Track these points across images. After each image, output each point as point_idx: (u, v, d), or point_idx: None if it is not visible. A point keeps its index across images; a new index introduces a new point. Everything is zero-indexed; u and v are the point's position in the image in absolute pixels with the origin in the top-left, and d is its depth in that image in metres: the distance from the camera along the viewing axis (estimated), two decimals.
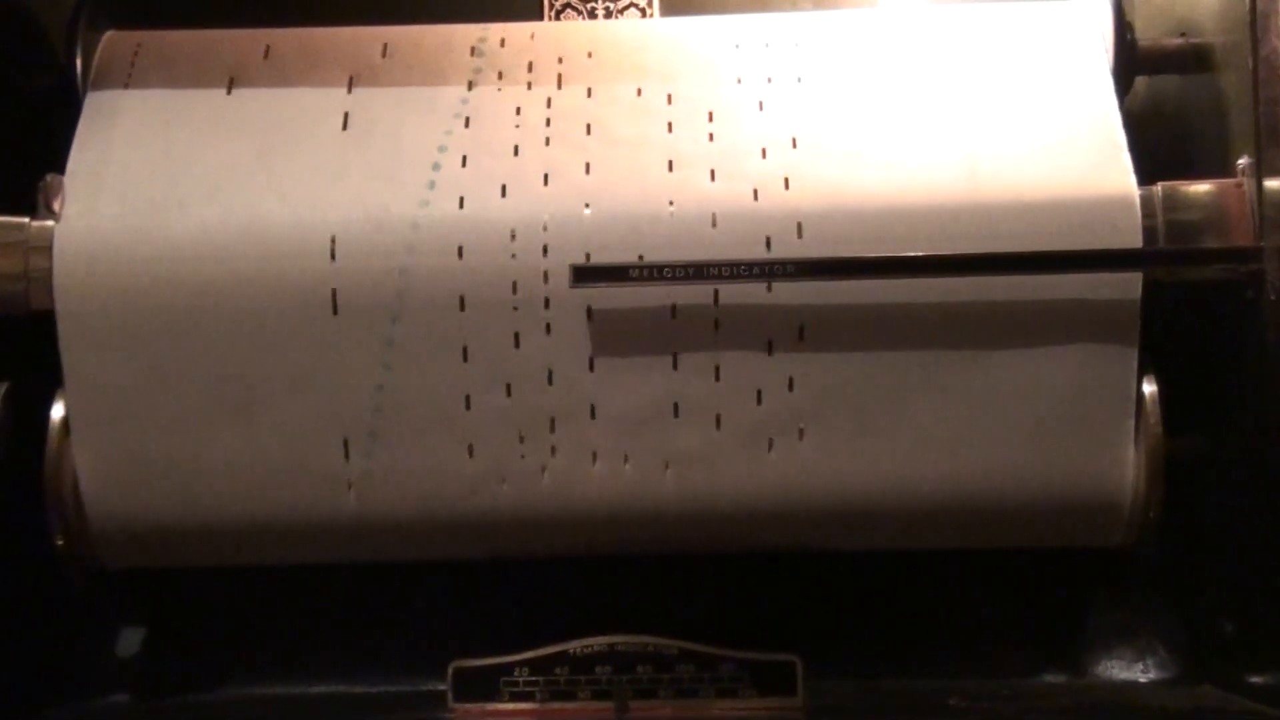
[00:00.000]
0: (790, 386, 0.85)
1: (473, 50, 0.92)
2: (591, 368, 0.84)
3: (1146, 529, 0.86)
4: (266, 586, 0.92)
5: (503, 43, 0.92)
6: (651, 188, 0.86)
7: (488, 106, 0.89)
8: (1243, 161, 0.84)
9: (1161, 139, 0.91)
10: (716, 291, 0.84)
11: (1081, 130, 0.87)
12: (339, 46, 0.92)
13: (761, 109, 0.89)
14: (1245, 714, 0.83)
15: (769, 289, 0.84)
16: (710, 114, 0.89)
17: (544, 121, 0.88)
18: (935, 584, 0.93)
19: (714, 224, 0.85)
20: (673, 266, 0.82)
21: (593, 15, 0.97)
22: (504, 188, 0.86)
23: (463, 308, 0.84)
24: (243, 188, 0.86)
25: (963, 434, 0.85)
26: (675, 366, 0.85)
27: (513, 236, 0.84)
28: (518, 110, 0.89)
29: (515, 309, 0.84)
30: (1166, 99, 0.93)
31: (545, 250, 0.84)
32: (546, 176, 0.86)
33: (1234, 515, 0.86)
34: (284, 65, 0.91)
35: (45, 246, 0.85)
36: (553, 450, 0.85)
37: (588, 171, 0.86)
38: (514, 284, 0.84)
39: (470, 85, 0.90)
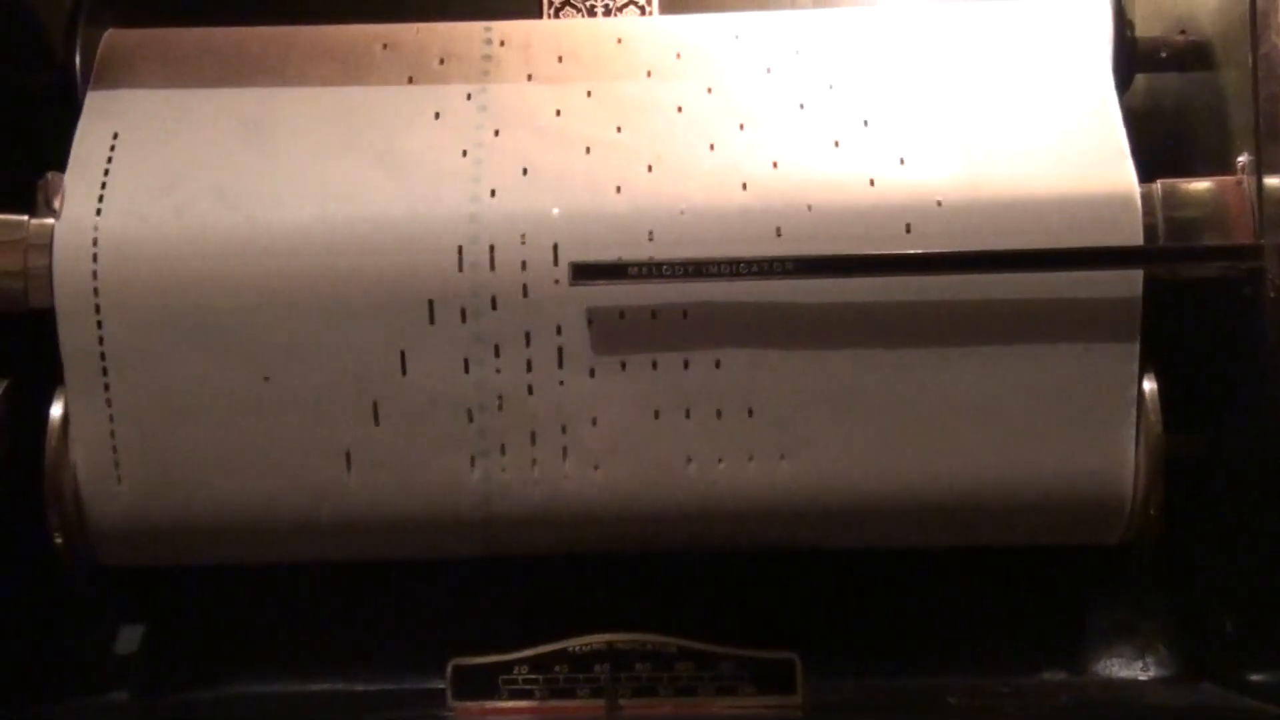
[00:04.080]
0: (791, 385, 0.85)
1: (474, 49, 0.91)
2: (591, 371, 0.84)
3: (1146, 527, 0.86)
4: (266, 584, 0.92)
5: (503, 42, 0.92)
6: (649, 187, 0.86)
7: (490, 106, 0.89)
8: (1242, 159, 0.84)
9: (1161, 136, 0.91)
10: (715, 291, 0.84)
11: (1082, 128, 0.87)
12: (340, 44, 0.92)
13: (761, 107, 0.89)
14: (1245, 712, 0.83)
15: (768, 287, 0.84)
16: (709, 112, 0.89)
17: (546, 121, 0.88)
18: (934, 582, 0.93)
19: (714, 222, 0.85)
20: (671, 264, 0.82)
21: (592, 13, 0.97)
22: (509, 188, 0.86)
23: (467, 310, 0.84)
24: (243, 187, 0.86)
25: (963, 432, 0.85)
26: (677, 366, 0.85)
27: (522, 239, 0.84)
28: (521, 109, 0.89)
29: (520, 310, 0.84)
30: (1166, 96, 0.93)
31: (550, 250, 0.84)
32: (548, 175, 0.86)
33: (1234, 513, 0.86)
34: (285, 63, 0.91)
35: (45, 244, 0.85)
36: (560, 451, 0.85)
37: (584, 171, 0.86)
38: (522, 285, 0.84)
39: (471, 84, 0.90)
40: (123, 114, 0.89)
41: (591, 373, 0.85)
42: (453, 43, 0.92)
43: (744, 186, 0.86)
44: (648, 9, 0.97)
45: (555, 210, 0.85)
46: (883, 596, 0.93)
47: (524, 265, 0.84)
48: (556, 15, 0.97)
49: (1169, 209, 0.85)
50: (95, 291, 0.84)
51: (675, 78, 0.90)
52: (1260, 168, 0.82)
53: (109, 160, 0.87)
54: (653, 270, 0.82)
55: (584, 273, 0.83)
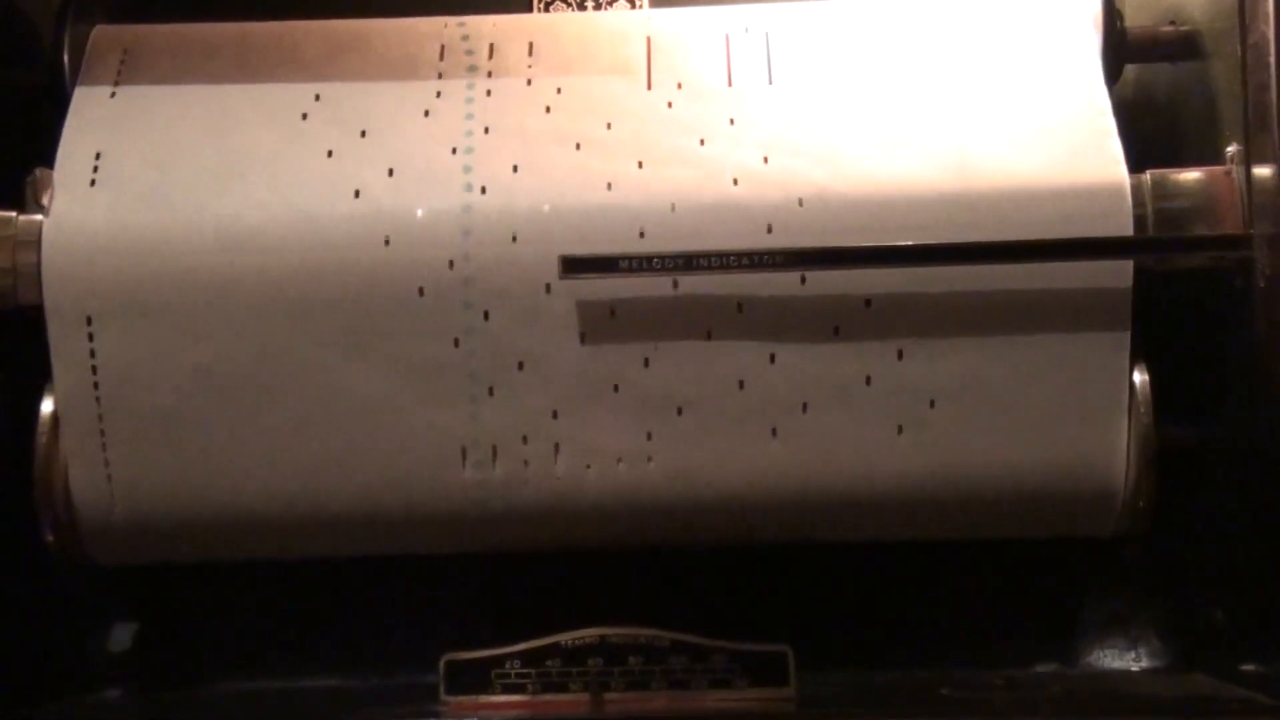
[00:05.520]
0: (779, 378, 0.85)
1: (464, 44, 0.91)
2: (584, 360, 0.84)
3: (1138, 518, 0.86)
4: (258, 581, 0.92)
5: (493, 35, 0.92)
6: (640, 180, 0.86)
7: (480, 101, 0.89)
8: (1231, 149, 0.84)
9: (1151, 127, 0.91)
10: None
11: (1071, 119, 0.87)
12: (329, 40, 0.92)
13: (752, 99, 0.89)
14: (1236, 701, 0.83)
15: (760, 280, 0.83)
16: (700, 105, 0.89)
17: (537, 115, 0.88)
18: (926, 574, 0.93)
19: (705, 215, 0.85)
20: (661, 257, 0.82)
21: (582, 7, 0.97)
22: (504, 180, 0.86)
23: (461, 302, 0.84)
24: (231, 183, 0.86)
25: (954, 424, 0.85)
26: (665, 358, 0.85)
27: (513, 236, 0.84)
28: (513, 104, 0.89)
29: (509, 301, 0.84)
30: (1156, 87, 0.93)
31: (538, 243, 0.84)
32: (539, 170, 0.86)
33: (1225, 504, 0.86)
34: (273, 59, 0.91)
35: (33, 241, 0.85)
36: (552, 445, 0.85)
37: (575, 165, 0.86)
38: (509, 277, 0.84)
39: (461, 79, 0.90)
40: (111, 110, 0.89)
41: (583, 360, 0.84)
42: (444, 37, 0.92)
43: (734, 180, 0.85)
44: (638, 3, 0.97)
45: (546, 207, 0.85)
46: (875, 589, 0.93)
47: (515, 261, 0.84)
48: (547, 9, 0.97)
49: (1159, 199, 0.85)
50: (84, 288, 0.84)
51: (665, 71, 0.90)
52: (1249, 157, 0.83)
53: (97, 156, 0.87)
54: (642, 264, 0.82)
55: (574, 266, 0.83)
